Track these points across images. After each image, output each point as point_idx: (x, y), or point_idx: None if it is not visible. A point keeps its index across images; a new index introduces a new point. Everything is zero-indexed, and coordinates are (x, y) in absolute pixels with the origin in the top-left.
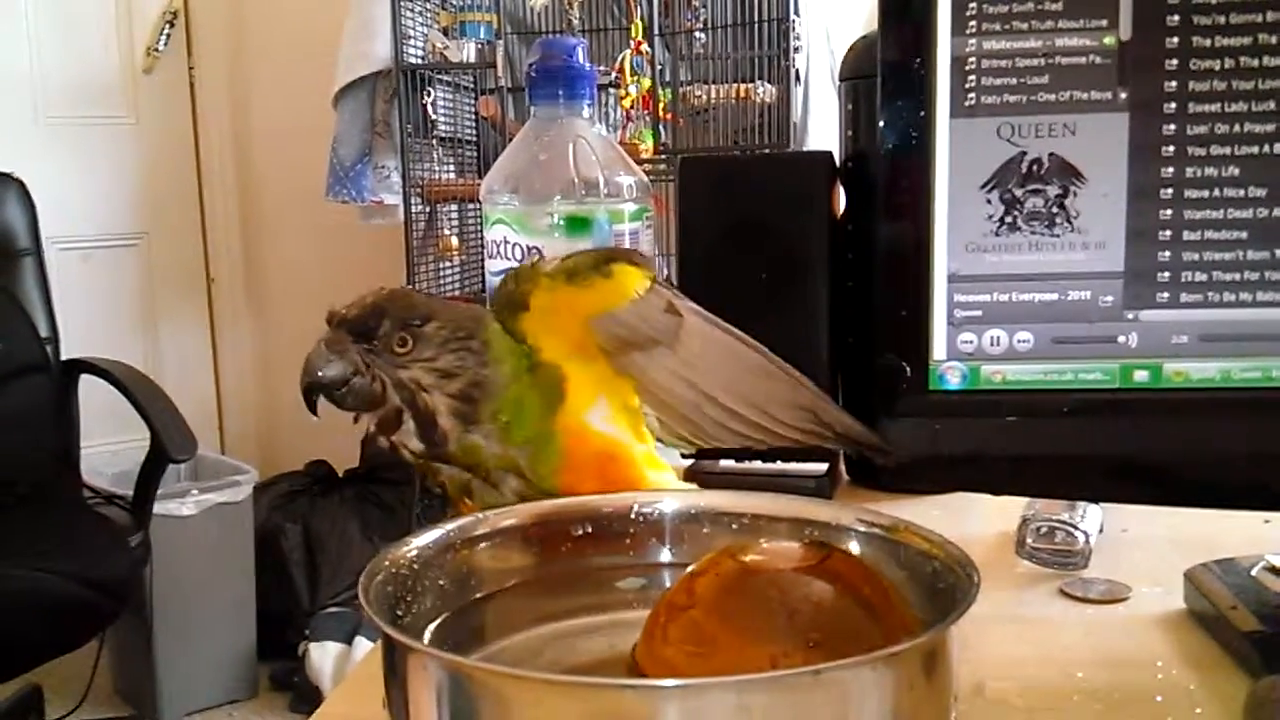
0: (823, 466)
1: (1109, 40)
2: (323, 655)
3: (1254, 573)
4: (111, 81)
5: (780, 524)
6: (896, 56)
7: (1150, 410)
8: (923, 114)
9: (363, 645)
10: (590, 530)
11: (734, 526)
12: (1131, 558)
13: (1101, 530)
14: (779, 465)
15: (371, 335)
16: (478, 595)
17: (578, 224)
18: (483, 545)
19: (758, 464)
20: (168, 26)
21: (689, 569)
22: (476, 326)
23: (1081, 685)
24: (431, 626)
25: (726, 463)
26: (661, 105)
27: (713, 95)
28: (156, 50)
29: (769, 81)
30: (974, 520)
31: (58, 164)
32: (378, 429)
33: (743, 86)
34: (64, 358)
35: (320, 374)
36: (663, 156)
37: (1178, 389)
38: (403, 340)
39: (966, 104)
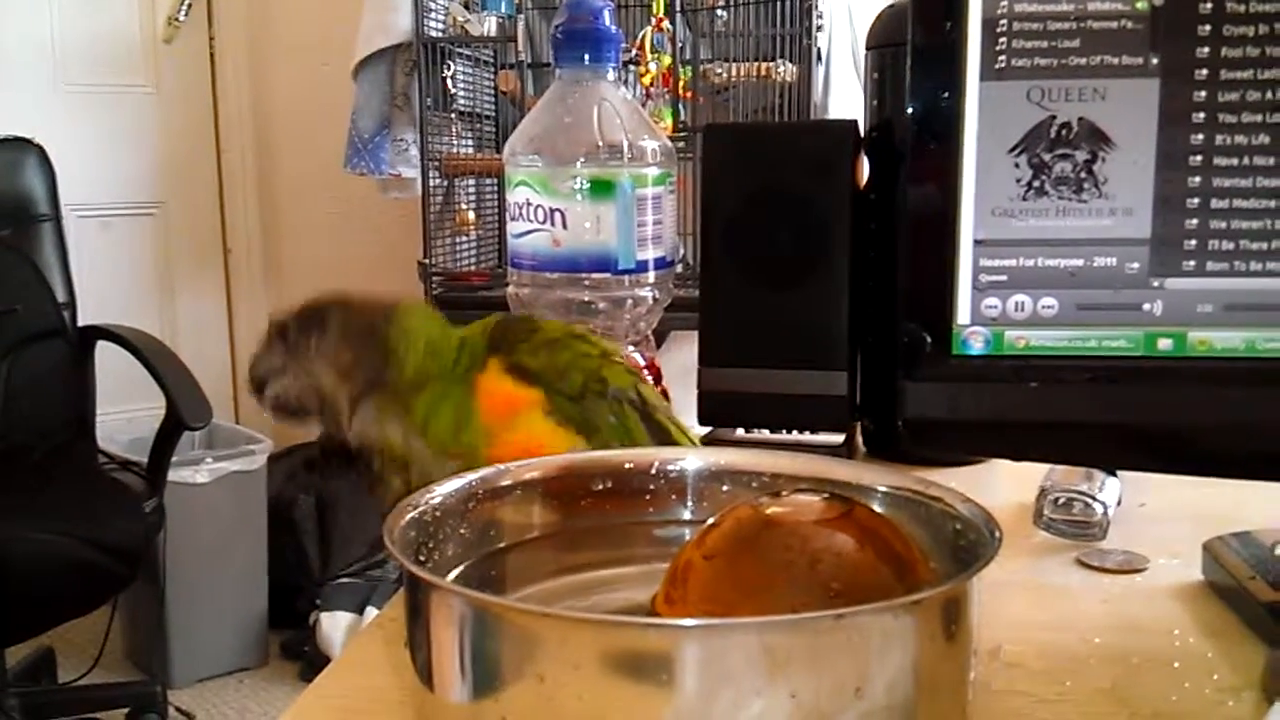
0: (839, 437)
1: (1141, 5)
2: (333, 625)
3: (1275, 549)
4: (132, 50)
5: (801, 482)
6: (928, 18)
7: (1174, 379)
8: (953, 76)
9: (373, 615)
10: (611, 485)
11: (754, 484)
12: (1149, 530)
13: (1119, 503)
14: (796, 435)
15: (285, 337)
16: (498, 546)
17: (601, 187)
18: (505, 497)
19: (769, 433)
20: None
21: (709, 521)
22: (381, 325)
23: (1099, 650)
24: (452, 574)
25: (743, 432)
26: (681, 83)
27: (733, 73)
28: (177, 20)
29: (790, 60)
30: (991, 491)
31: (78, 131)
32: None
33: (763, 65)
34: (81, 324)
35: (254, 372)
36: (682, 134)
37: (1202, 358)
38: (308, 342)
39: (997, 67)
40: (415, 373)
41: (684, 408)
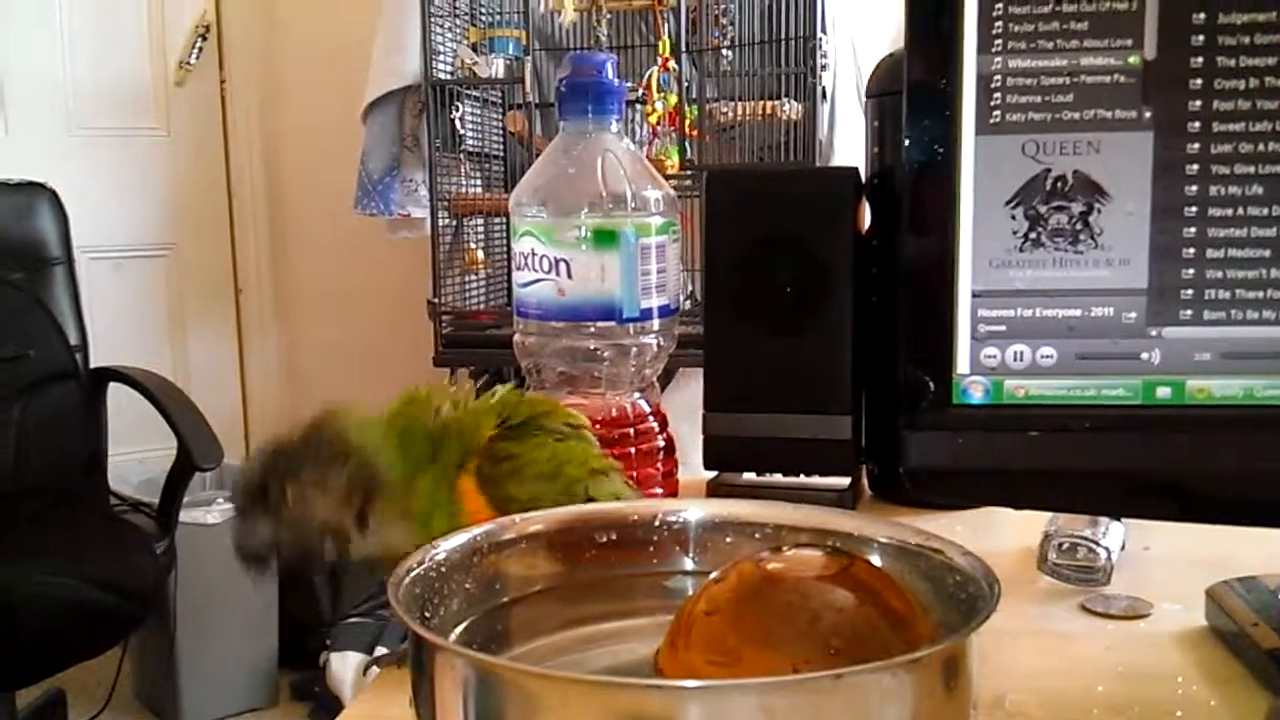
0: (845, 481)
1: (1134, 59)
2: (343, 665)
3: (1278, 594)
4: (144, 94)
5: (803, 534)
6: (923, 73)
7: (1173, 427)
8: (948, 130)
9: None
10: (615, 538)
11: (757, 536)
12: (1153, 575)
13: (1123, 547)
14: (802, 479)
15: (263, 498)
16: (503, 600)
17: (605, 237)
18: (509, 550)
19: (779, 477)
20: (200, 40)
21: (711, 576)
22: (341, 438)
23: (1102, 699)
24: (457, 629)
25: (749, 476)
26: (687, 122)
27: (739, 112)
28: (188, 63)
29: (795, 99)
30: (995, 535)
31: (90, 174)
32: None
33: (769, 103)
34: (93, 366)
35: (246, 552)
36: (688, 173)
37: (1200, 406)
38: (290, 488)
39: (992, 121)
40: (402, 470)
41: (691, 445)
